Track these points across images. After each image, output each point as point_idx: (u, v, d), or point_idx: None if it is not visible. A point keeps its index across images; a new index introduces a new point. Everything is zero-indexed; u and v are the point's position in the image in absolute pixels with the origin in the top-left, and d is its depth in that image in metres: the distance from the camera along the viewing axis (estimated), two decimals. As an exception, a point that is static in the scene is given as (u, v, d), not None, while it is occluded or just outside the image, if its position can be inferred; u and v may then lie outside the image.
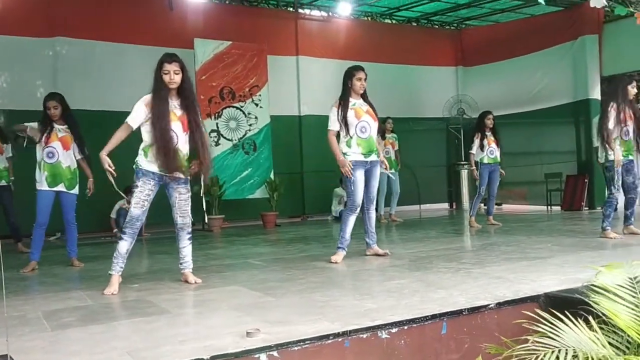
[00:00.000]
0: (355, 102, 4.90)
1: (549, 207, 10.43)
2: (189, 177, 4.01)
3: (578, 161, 10.52)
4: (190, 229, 4.06)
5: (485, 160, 7.61)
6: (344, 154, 4.81)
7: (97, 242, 7.80)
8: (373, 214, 5.10)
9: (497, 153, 7.65)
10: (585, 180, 10.13)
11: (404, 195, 11.39)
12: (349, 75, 4.93)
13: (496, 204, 12.23)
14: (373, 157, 4.95)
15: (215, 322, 2.85)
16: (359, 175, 4.83)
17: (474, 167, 7.71)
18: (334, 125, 4.87)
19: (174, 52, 4.09)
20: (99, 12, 8.95)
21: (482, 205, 8.31)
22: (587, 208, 10.02)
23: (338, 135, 4.91)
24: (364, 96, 4.97)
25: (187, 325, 2.81)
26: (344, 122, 4.81)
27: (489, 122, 7.73)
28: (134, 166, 3.93)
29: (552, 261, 4.38)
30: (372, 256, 5.03)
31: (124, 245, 3.90)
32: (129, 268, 4.61)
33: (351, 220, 4.90)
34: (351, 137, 4.82)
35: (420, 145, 11.48)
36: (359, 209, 4.87)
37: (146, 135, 3.87)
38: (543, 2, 3.94)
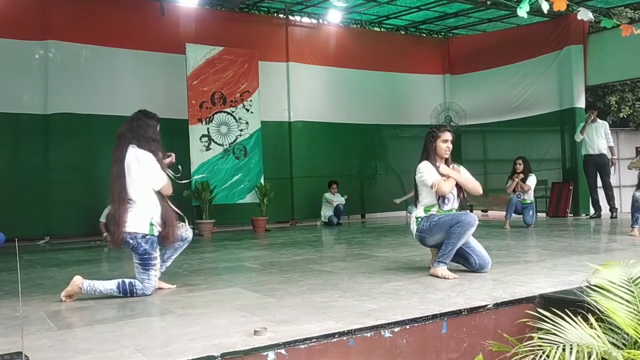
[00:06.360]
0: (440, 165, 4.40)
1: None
2: None
3: (563, 168, 10.70)
4: None
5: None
6: None
7: (87, 246, 7.79)
8: None
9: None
10: (570, 187, 10.30)
11: (391, 201, 11.52)
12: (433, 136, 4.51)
13: (482, 211, 12.45)
14: None
15: (221, 322, 2.89)
16: None
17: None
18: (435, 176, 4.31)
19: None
20: (90, 16, 8.91)
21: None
22: (571, 215, 10.19)
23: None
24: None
25: (193, 325, 2.84)
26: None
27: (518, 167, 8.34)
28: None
29: (543, 264, 4.50)
30: (367, 261, 5.08)
31: None
32: (126, 270, 4.64)
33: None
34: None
35: (407, 152, 11.56)
36: None
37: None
38: (525, 16, 4.06)
